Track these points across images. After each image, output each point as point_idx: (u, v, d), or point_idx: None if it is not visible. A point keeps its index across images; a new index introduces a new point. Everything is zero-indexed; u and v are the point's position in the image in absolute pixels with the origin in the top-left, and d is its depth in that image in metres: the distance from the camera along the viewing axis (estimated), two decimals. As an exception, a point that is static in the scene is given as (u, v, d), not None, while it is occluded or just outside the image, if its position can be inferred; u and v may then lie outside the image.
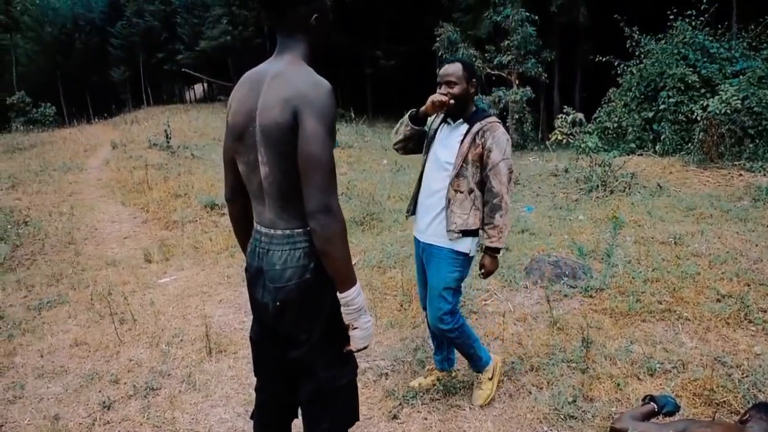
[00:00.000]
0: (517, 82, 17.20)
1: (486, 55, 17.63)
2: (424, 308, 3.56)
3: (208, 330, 4.49)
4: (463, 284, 3.36)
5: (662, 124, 12.59)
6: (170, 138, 16.11)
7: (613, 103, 13.98)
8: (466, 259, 3.23)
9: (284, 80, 1.97)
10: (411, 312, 4.83)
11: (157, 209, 9.08)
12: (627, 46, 14.18)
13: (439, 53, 18.82)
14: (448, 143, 3.22)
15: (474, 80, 3.21)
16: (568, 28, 20.00)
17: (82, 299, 5.55)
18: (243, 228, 2.38)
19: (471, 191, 3.14)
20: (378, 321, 4.71)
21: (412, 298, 5.08)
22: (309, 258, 2.04)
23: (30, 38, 43.48)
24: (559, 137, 11.20)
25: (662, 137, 12.38)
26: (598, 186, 9.42)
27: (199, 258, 6.77)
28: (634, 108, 13.48)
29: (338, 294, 2.00)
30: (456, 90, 3.14)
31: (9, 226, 8.05)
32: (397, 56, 27.76)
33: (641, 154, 12.32)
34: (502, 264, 5.80)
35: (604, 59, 14.20)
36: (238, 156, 2.15)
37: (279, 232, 2.08)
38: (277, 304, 2.08)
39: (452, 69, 3.18)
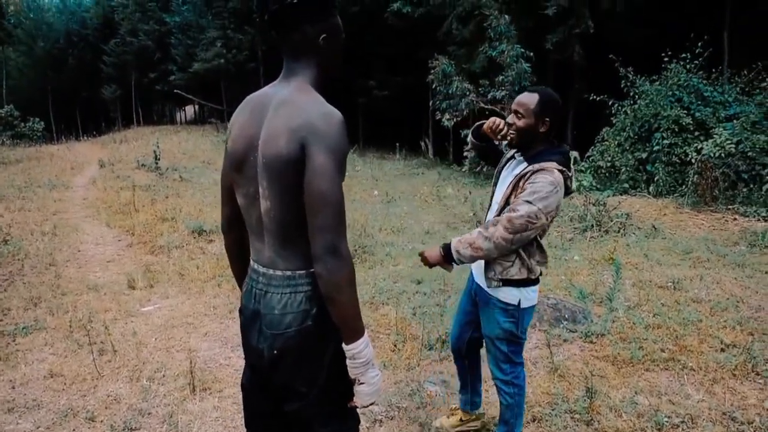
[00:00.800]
0: (510, 117, 17.13)
1: (480, 89, 17.63)
2: (453, 348, 3.39)
3: (193, 365, 4.26)
4: (521, 335, 3.07)
5: (656, 165, 12.55)
6: (159, 159, 15.88)
7: (607, 143, 13.94)
8: (517, 309, 2.93)
9: (292, 109, 1.80)
10: (405, 352, 4.63)
11: (143, 232, 8.84)
12: (622, 86, 14.19)
13: (433, 85, 18.79)
14: (507, 180, 2.97)
15: (548, 118, 2.82)
16: (562, 66, 20.07)
17: (60, 326, 5.29)
18: (240, 263, 2.19)
19: None
20: (371, 361, 4.50)
21: (406, 337, 4.88)
22: (311, 303, 1.86)
23: (22, 52, 43.38)
24: (554, 174, 11.06)
25: (656, 178, 12.32)
26: (592, 225, 9.30)
27: (185, 286, 6.53)
28: (628, 148, 13.45)
29: (344, 345, 1.82)
30: (521, 123, 2.83)
31: (-13, 245, 7.81)
32: (390, 87, 27.77)
33: (634, 194, 12.26)
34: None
35: (598, 98, 14.19)
36: (237, 187, 1.98)
37: (278, 272, 1.90)
38: (274, 352, 1.89)
39: (525, 99, 2.85)
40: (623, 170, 13.18)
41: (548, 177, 2.70)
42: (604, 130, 14.50)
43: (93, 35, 44.61)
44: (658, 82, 13.57)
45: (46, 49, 42.07)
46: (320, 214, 1.70)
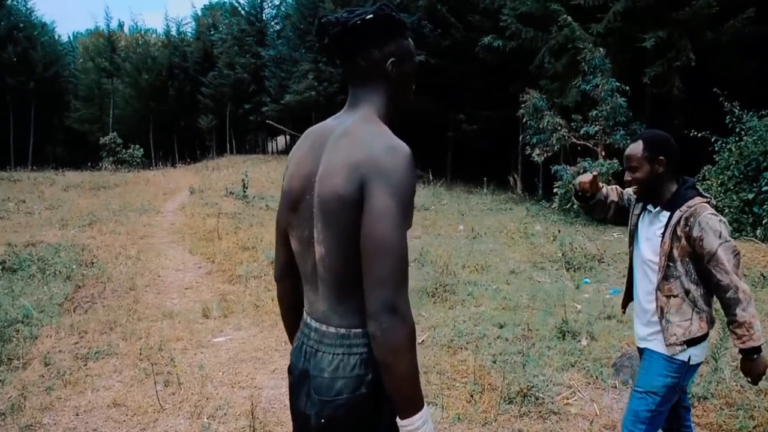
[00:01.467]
0: (603, 153, 16.52)
1: (572, 124, 17.07)
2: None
3: (254, 406, 4.06)
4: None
5: (764, 206, 11.66)
6: (247, 187, 16.13)
7: (709, 182, 13.10)
8: (683, 365, 2.68)
9: (352, 141, 1.57)
10: (482, 404, 4.26)
11: (224, 260, 8.84)
12: (726, 121, 13.34)
13: (524, 119, 18.38)
14: (650, 236, 2.75)
15: (662, 157, 2.65)
16: (660, 100, 19.24)
17: (131, 352, 5.24)
18: (293, 315, 1.95)
19: (688, 292, 2.62)
20: (443, 413, 4.15)
21: (484, 387, 4.51)
22: (367, 368, 1.59)
23: (128, 83, 45.88)
24: (651, 215, 10.47)
25: (764, 221, 11.44)
26: (693, 270, 8.63)
27: (259, 318, 6.40)
28: (732, 188, 12.58)
29: (398, 420, 1.52)
30: (639, 174, 2.68)
31: (75, 266, 7.97)
32: (480, 121, 27.44)
33: (738, 238, 11.41)
34: (588, 356, 5.18)
35: (699, 134, 13.40)
36: (292, 230, 1.75)
37: (332, 329, 1.64)
38: (322, 421, 1.62)
39: (631, 150, 2.71)
40: (726, 212, 12.32)
41: (707, 211, 2.57)
42: (705, 168, 13.66)
43: (193, 68, 46.67)
44: (767, 117, 12.68)
45: (149, 81, 44.26)
46: (378, 264, 1.45)
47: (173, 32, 52.15)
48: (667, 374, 2.66)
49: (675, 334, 2.60)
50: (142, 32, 53.63)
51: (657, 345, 2.70)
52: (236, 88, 40.85)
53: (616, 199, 3.00)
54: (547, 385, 4.60)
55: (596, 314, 6.34)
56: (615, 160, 15.59)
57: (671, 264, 2.60)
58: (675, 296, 2.61)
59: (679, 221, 2.57)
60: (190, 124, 45.33)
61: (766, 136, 12.07)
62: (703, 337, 2.64)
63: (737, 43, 16.91)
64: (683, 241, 2.56)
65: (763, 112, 12.92)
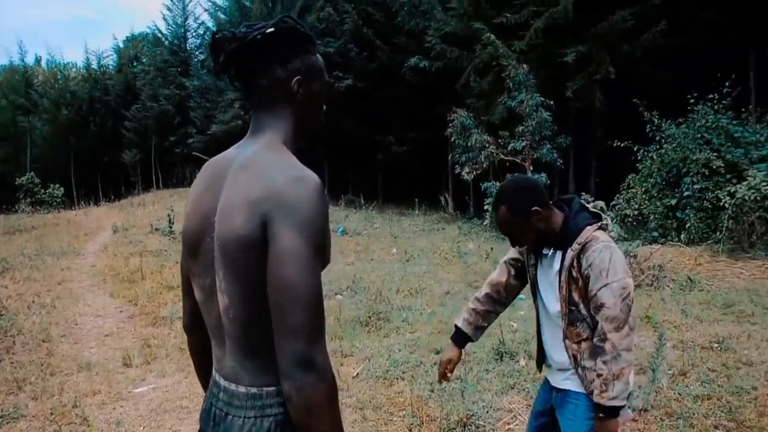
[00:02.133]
0: (531, 168, 16.72)
1: (500, 140, 17.23)
2: None
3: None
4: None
5: (687, 211, 11.95)
6: (173, 222, 15.53)
7: (633, 190, 13.38)
8: None
9: (253, 174, 1.36)
10: (420, 439, 4.06)
11: (147, 302, 8.37)
12: (647, 130, 13.70)
13: (452, 139, 18.45)
14: (550, 281, 2.48)
15: (534, 208, 2.35)
16: (583, 113, 19.68)
17: (41, 413, 4.79)
18: (207, 370, 1.69)
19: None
20: (380, 451, 3.93)
21: (423, 420, 4.31)
22: (284, 431, 1.37)
23: (46, 120, 44.08)
24: (580, 226, 10.56)
25: (687, 225, 11.71)
26: (624, 279, 8.67)
27: (184, 362, 6.01)
28: (656, 195, 12.88)
29: None
30: (525, 239, 2.45)
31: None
32: (409, 142, 27.49)
33: (665, 243, 11.63)
34: (526, 377, 5.05)
35: (622, 144, 13.70)
36: (194, 277, 1.53)
37: (242, 389, 1.42)
38: None
39: (501, 220, 2.43)
40: (652, 218, 12.60)
41: (595, 245, 2.29)
42: (629, 177, 13.98)
43: (115, 101, 45.19)
44: (684, 125, 13.07)
45: (69, 117, 42.55)
46: (288, 313, 1.25)
47: (94, 65, 50.69)
48: (593, 416, 2.38)
49: (593, 380, 2.33)
50: (61, 66, 51.89)
51: (580, 385, 2.44)
52: (161, 120, 39.79)
53: (513, 273, 2.74)
54: (488, 411, 4.44)
55: (533, 332, 6.19)
56: (543, 174, 15.78)
57: (573, 308, 2.36)
58: (585, 339, 2.37)
59: (572, 262, 2.33)
60: (113, 160, 43.80)
61: (685, 143, 12.42)
62: None
63: (652, 55, 17.49)
64: (580, 281, 2.32)
65: (680, 120, 13.31)
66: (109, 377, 5.64)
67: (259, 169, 1.37)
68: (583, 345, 2.37)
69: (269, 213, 1.28)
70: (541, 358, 2.68)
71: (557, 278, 2.40)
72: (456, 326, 2.77)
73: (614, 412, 2.25)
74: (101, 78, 48.16)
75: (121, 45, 52.08)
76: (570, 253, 2.32)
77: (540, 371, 2.75)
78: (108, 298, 9.11)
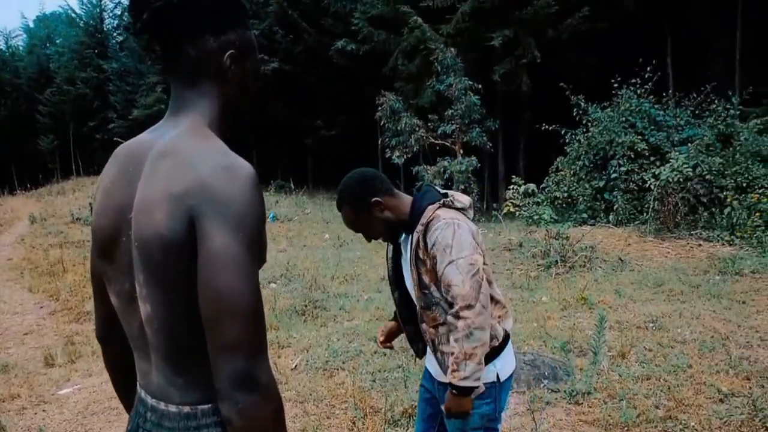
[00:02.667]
0: (461, 151, 16.79)
1: (429, 124, 17.25)
2: None
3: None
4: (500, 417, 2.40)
5: (614, 193, 12.23)
6: (95, 211, 14.91)
7: (562, 173, 13.61)
8: (494, 386, 2.32)
9: (175, 163, 1.16)
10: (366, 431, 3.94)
11: (69, 297, 7.94)
12: (574, 114, 13.94)
13: (382, 122, 18.34)
14: (405, 268, 2.42)
15: (373, 200, 2.29)
16: (511, 97, 19.92)
17: (-46, 422, 4.45)
18: (128, 385, 1.47)
19: None
20: (325, 447, 3.79)
21: (366, 411, 4.19)
22: None
23: (-51, 104, 41.58)
24: (512, 209, 10.66)
25: (615, 207, 11.99)
26: (557, 261, 8.80)
27: (112, 358, 5.71)
28: (584, 177, 13.13)
29: None
30: (372, 232, 2.37)
31: None
32: (338, 126, 27.29)
33: (594, 225, 11.88)
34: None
35: (549, 127, 13.88)
36: (108, 281, 1.30)
37: (173, 408, 1.22)
38: None
39: (346, 219, 2.38)
40: (581, 200, 12.84)
41: (437, 223, 2.21)
42: (558, 159, 14.21)
43: (27, 84, 42.97)
44: (609, 109, 13.37)
45: (-24, 100, 40.47)
46: (223, 326, 1.06)
47: (1, 46, 48.15)
48: (482, 401, 2.31)
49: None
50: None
51: None
52: (78, 104, 38.09)
53: None
54: (431, 400, 4.35)
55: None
56: (473, 158, 15.89)
57: (426, 291, 2.27)
58: (442, 324, 2.27)
59: (418, 243, 2.25)
60: (29, 147, 41.61)
61: (611, 126, 12.69)
62: (494, 352, 2.31)
63: (577, 40, 17.84)
64: (428, 262, 2.24)
65: (605, 104, 13.60)
66: (30, 379, 5.29)
67: (182, 157, 1.16)
68: (441, 329, 2.28)
69: (196, 209, 1.09)
70: (417, 346, 2.59)
71: (407, 264, 2.35)
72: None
73: (467, 391, 2.17)
74: (10, 60, 45.68)
75: (32, 25, 49.62)
76: (415, 235, 2.26)
77: (421, 358, 2.63)
78: (26, 293, 8.61)
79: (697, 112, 13.25)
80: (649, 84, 13.13)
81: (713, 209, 10.76)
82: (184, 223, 1.10)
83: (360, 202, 2.29)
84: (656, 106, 13.23)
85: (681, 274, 8.01)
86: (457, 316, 2.12)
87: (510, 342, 2.41)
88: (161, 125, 1.32)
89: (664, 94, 13.95)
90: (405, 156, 17.66)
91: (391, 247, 2.52)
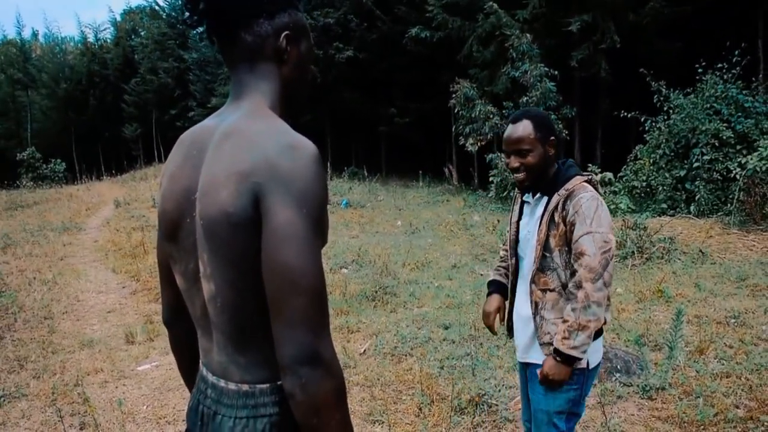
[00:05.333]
0: (536, 139, 16.50)
1: (504, 111, 16.99)
2: (525, 423, 2.69)
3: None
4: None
5: (696, 183, 11.74)
6: (175, 196, 15.42)
7: (641, 161, 13.15)
8: (581, 374, 2.35)
9: (239, 143, 1.17)
10: (432, 418, 3.93)
11: (149, 278, 8.24)
12: (654, 100, 13.41)
13: (456, 110, 18.20)
14: (530, 229, 2.42)
15: (552, 138, 2.34)
16: (588, 83, 19.35)
17: (43, 392, 4.69)
18: (192, 367, 1.53)
19: (565, 286, 2.29)
20: (391, 430, 3.80)
21: (432, 398, 4.19)
22: None
23: (45, 95, 43.72)
24: (588, 198, 10.39)
25: (697, 197, 11.51)
26: (633, 252, 8.53)
27: (188, 338, 5.90)
28: (664, 166, 12.66)
29: None
30: (532, 159, 2.31)
31: (-21, 297, 7.26)
32: (411, 113, 27.17)
33: (674, 215, 11.46)
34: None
35: (629, 115, 13.45)
36: (174, 263, 1.34)
37: (233, 386, 1.25)
38: None
39: (521, 131, 2.31)
40: (660, 190, 12.39)
41: (583, 192, 2.26)
42: (637, 148, 13.75)
43: (113, 75, 44.71)
44: (693, 95, 12.78)
45: (68, 91, 42.24)
46: (288, 301, 1.08)
47: (91, 39, 50.19)
48: (569, 386, 2.33)
49: (548, 333, 2.32)
50: (58, 40, 51.36)
51: (542, 357, 2.37)
52: (161, 93, 39.48)
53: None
54: (499, 390, 4.32)
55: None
56: (548, 145, 15.57)
57: (547, 254, 2.30)
58: (552, 290, 2.31)
59: (557, 206, 2.28)
60: (114, 134, 43.50)
61: (693, 113, 12.17)
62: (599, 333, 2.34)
63: (659, 24, 17.12)
64: (561, 227, 2.26)
65: (689, 90, 13.04)
66: (112, 355, 5.53)
67: (247, 137, 1.18)
68: (548, 295, 2.33)
69: (261, 186, 1.11)
70: (511, 323, 2.63)
71: (538, 223, 2.35)
72: (491, 281, 2.72)
73: (570, 360, 2.22)
74: (99, 52, 47.73)
75: (118, 18, 51.55)
76: (556, 198, 2.28)
77: (510, 337, 2.66)
78: (110, 273, 8.99)
79: (789, 97, 12.55)
80: (737, 68, 12.46)
81: (804, 201, 10.20)
82: (249, 200, 1.12)
83: (546, 128, 2.34)
84: (744, 91, 12.54)
85: (767, 269, 7.64)
86: (579, 286, 2.18)
87: (603, 335, 2.43)
88: (224, 110, 1.35)
89: (753, 78, 13.25)
90: (479, 144, 17.49)
91: (516, 210, 2.56)
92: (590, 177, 2.36)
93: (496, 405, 4.09)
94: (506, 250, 2.69)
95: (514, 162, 2.34)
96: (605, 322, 2.34)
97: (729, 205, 10.76)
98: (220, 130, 1.25)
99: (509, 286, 2.61)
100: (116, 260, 9.72)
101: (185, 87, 37.25)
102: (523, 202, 2.54)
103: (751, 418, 3.81)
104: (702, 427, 3.74)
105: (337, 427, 1.11)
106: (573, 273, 2.23)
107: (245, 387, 1.24)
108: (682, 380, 4.36)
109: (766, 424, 3.73)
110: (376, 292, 6.94)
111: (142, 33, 44.70)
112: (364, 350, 5.28)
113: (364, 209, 15.79)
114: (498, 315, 2.65)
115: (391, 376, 4.67)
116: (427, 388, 4.35)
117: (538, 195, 2.39)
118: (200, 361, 1.39)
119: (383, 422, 3.90)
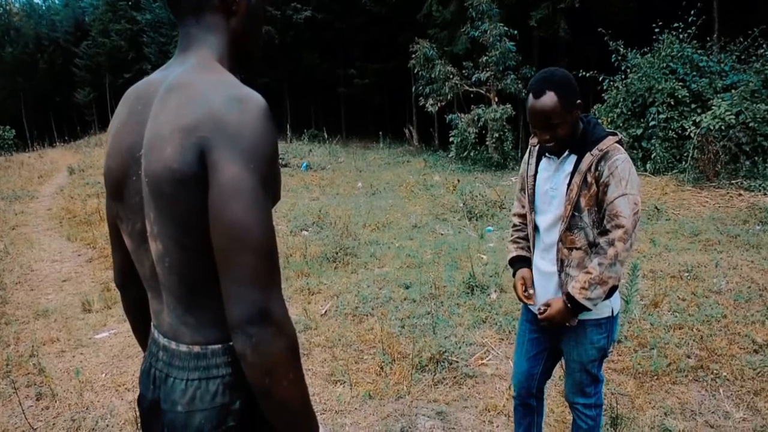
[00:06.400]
0: (496, 99, 16.52)
1: (463, 71, 16.97)
2: (520, 388, 2.73)
3: (138, 415, 3.57)
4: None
5: (652, 141, 11.93)
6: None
7: (599, 120, 13.27)
8: (609, 321, 2.44)
9: (184, 97, 1.12)
10: (393, 377, 3.96)
11: (106, 245, 8.05)
12: (612, 60, 13.52)
13: (415, 70, 18.10)
14: (553, 185, 2.39)
15: (578, 101, 2.25)
16: (547, 43, 19.42)
17: (-3, 363, 4.58)
18: (146, 330, 1.48)
19: (592, 245, 2.32)
20: (352, 391, 3.82)
21: (394, 357, 4.21)
22: (232, 394, 1.20)
23: (-11, 60, 42.15)
24: (547, 157, 10.49)
25: (653, 155, 11.71)
26: (591, 210, 8.64)
27: (147, 303, 5.81)
28: (621, 125, 12.80)
29: None
30: (562, 131, 2.25)
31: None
32: (371, 74, 27.00)
33: (630, 173, 11.64)
34: (498, 311, 4.98)
35: (587, 74, 13.52)
36: (121, 222, 1.30)
37: (183, 348, 1.22)
38: None
39: (548, 105, 2.19)
40: (617, 148, 12.53)
41: (618, 155, 2.24)
42: (595, 107, 13.89)
43: (63, 38, 43.20)
44: (650, 55, 12.90)
45: (14, 55, 40.68)
46: (236, 259, 1.05)
47: (37, 0, 48.45)
48: (600, 336, 2.43)
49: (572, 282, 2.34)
50: (2, 1, 49.34)
51: (583, 313, 2.40)
52: (114, 57, 38.34)
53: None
54: (460, 347, 4.37)
55: (503, 264, 6.13)
56: (508, 105, 15.63)
57: (576, 213, 2.30)
58: (578, 248, 2.33)
59: (590, 167, 2.25)
60: (66, 100, 42.18)
61: (650, 73, 12.30)
62: (614, 289, 2.37)
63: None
64: (593, 188, 2.24)
65: (645, 50, 13.15)
66: (68, 324, 5.42)
67: (192, 91, 1.13)
68: (574, 253, 2.35)
69: (207, 141, 1.07)
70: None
71: (566, 181, 2.32)
72: (514, 257, 2.69)
73: (580, 309, 2.30)
74: (46, 14, 45.99)
75: (66, -22, 49.69)
76: (589, 158, 2.26)
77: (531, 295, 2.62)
78: (65, 241, 8.78)
79: (743, 57, 12.67)
80: (693, 28, 12.60)
81: (756, 158, 10.45)
82: (194, 155, 1.07)
83: (571, 95, 2.23)
84: (699, 51, 12.70)
85: (719, 224, 7.84)
86: (611, 243, 2.21)
87: (618, 291, 2.48)
88: (170, 64, 1.30)
89: (708, 38, 13.45)
90: (439, 104, 17.47)
91: (531, 167, 2.52)
92: (620, 137, 2.34)
93: (457, 362, 4.13)
94: (520, 215, 2.68)
95: (544, 135, 2.28)
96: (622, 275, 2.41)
97: (684, 162, 10.98)
98: (165, 84, 1.20)
99: (532, 242, 2.59)
100: (71, 228, 9.49)
101: (139, 49, 36.29)
102: (539, 155, 2.49)
103: (701, 366, 3.93)
104: (656, 377, 3.85)
105: (289, 387, 1.09)
106: (602, 232, 2.26)
107: (197, 348, 1.21)
108: (637, 333, 4.47)
109: (715, 371, 3.85)
110: (337, 253, 6.92)
111: (93, -7, 43.24)
112: (326, 311, 5.28)
113: (324, 171, 15.69)
114: (526, 283, 2.60)
115: (353, 336, 4.68)
116: (388, 347, 4.37)
117: (565, 154, 2.35)
118: (152, 323, 1.36)
119: (345, 382, 3.92)
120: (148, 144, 1.15)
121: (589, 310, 2.28)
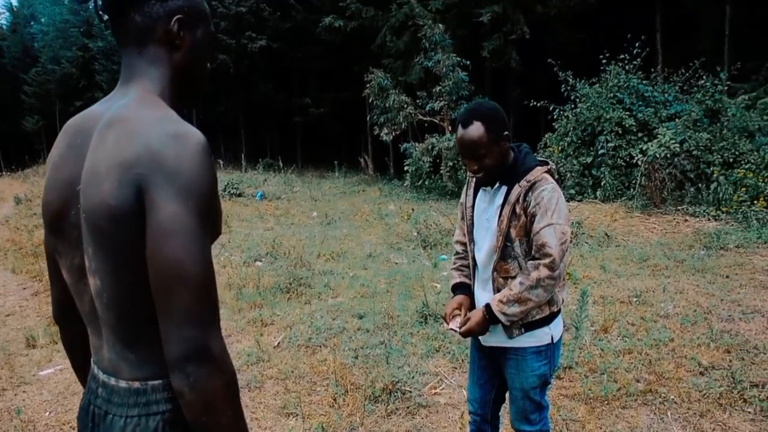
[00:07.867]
0: (449, 128, 16.72)
1: (417, 101, 17.17)
2: (471, 412, 2.76)
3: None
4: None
5: (602, 168, 12.23)
6: (81, 191, 14.79)
7: (550, 149, 13.59)
8: (549, 348, 2.45)
9: (123, 132, 1.12)
10: (346, 408, 3.92)
11: (52, 277, 7.85)
12: (562, 90, 13.88)
13: (370, 99, 18.26)
14: (487, 217, 2.43)
15: (506, 132, 2.30)
16: (499, 73, 19.82)
17: (-68, 403, 4.39)
18: (86, 366, 1.44)
19: None
20: (305, 423, 3.77)
21: (347, 388, 4.18)
22: (173, 430, 1.17)
23: (-67, 85, 40.89)
24: (499, 185, 10.65)
25: (602, 182, 12.00)
26: (544, 237, 8.78)
27: (94, 337, 5.66)
28: (572, 153, 13.10)
29: None
30: (490, 161, 2.29)
31: None
32: (326, 104, 27.14)
33: (581, 200, 11.89)
34: (451, 339, 4.99)
35: (538, 104, 13.83)
36: (59, 257, 1.27)
37: (123, 384, 1.20)
38: None
39: (474, 136, 2.25)
40: (569, 176, 12.82)
41: (545, 185, 2.28)
42: (546, 136, 14.20)
43: (11, 64, 42.25)
44: (598, 85, 13.31)
45: (-42, 80, 39.83)
46: (174, 296, 1.04)
47: (-18, 25, 47.35)
48: (540, 363, 2.45)
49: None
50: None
51: (522, 341, 2.44)
52: (64, 84, 37.54)
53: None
54: (413, 377, 4.35)
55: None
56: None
57: (508, 244, 2.33)
58: (513, 277, 2.35)
59: (518, 198, 2.29)
60: (14, 128, 41.06)
61: (599, 102, 12.65)
62: (551, 317, 2.42)
63: (566, 16, 17.68)
64: (522, 218, 2.28)
65: (594, 80, 13.54)
66: (11, 361, 5.22)
67: (130, 126, 1.13)
68: (510, 282, 2.36)
69: (145, 178, 1.06)
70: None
71: (497, 213, 2.36)
72: (456, 283, 2.69)
73: (494, 321, 2.34)
74: (-7, 39, 44.94)
75: (15, 2, 48.70)
76: (517, 189, 2.29)
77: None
78: (9, 274, 8.50)
79: (685, 87, 13.18)
80: (638, 60, 13.06)
81: (700, 185, 10.79)
82: (132, 192, 1.07)
83: (497, 125, 2.28)
84: (644, 81, 13.16)
85: (666, 249, 8.03)
86: (536, 267, 2.24)
87: (560, 317, 2.52)
88: (112, 95, 1.30)
89: (652, 69, 13.94)
90: (393, 133, 17.60)
91: (470, 194, 2.55)
92: (550, 167, 2.38)
93: (410, 392, 4.12)
94: (462, 243, 2.69)
95: (472, 165, 2.32)
96: (563, 302, 2.46)
97: (632, 189, 11.27)
98: (105, 118, 1.19)
99: (472, 271, 2.61)
100: (16, 260, 9.21)
101: (91, 77, 35.65)
102: (477, 187, 2.52)
103: (650, 390, 4.00)
104: (606, 402, 3.89)
105: (228, 424, 1.08)
106: (532, 258, 2.29)
107: (136, 384, 1.19)
108: (587, 359, 4.52)
109: (663, 395, 3.92)
110: (291, 284, 6.87)
111: (43, 20, 42.38)
112: (278, 343, 5.21)
113: (279, 201, 15.62)
114: (459, 310, 2.60)
115: (306, 367, 4.63)
116: (341, 378, 4.34)
117: (497, 186, 2.39)
118: (91, 359, 1.33)
119: (297, 415, 3.86)
120: (86, 179, 1.14)
121: (502, 324, 2.33)
